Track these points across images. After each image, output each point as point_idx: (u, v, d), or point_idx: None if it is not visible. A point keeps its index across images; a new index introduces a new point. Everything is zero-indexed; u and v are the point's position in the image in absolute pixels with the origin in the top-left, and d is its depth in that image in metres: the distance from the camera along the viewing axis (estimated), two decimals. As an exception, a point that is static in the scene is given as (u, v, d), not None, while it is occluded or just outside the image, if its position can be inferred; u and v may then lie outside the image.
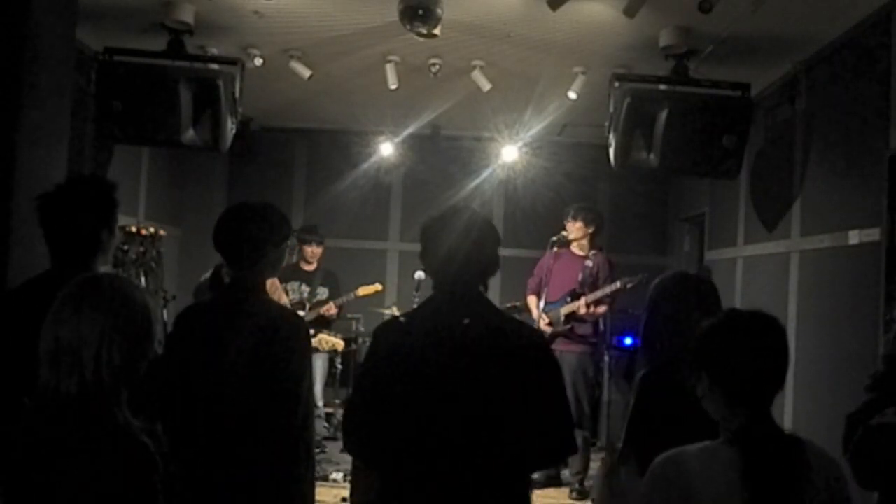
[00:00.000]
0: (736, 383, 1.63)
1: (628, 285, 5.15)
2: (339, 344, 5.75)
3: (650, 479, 1.65)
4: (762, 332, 1.68)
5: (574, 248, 5.46)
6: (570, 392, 5.29)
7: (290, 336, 2.40)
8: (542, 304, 5.35)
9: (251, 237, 2.45)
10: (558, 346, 5.26)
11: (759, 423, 1.61)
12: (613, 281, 5.25)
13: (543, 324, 5.28)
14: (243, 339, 2.34)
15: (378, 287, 6.05)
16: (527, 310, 5.60)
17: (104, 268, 2.47)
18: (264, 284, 2.54)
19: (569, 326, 5.30)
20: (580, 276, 5.34)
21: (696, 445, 1.64)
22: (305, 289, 5.98)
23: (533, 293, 5.55)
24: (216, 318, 2.41)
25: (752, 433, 1.59)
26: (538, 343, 2.25)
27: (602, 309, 5.33)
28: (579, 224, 5.39)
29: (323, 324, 5.88)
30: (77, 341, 1.60)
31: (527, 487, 2.22)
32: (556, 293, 5.38)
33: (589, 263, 5.36)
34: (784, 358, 1.69)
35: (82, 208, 2.36)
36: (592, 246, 5.45)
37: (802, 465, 1.59)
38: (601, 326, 5.70)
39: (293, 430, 2.32)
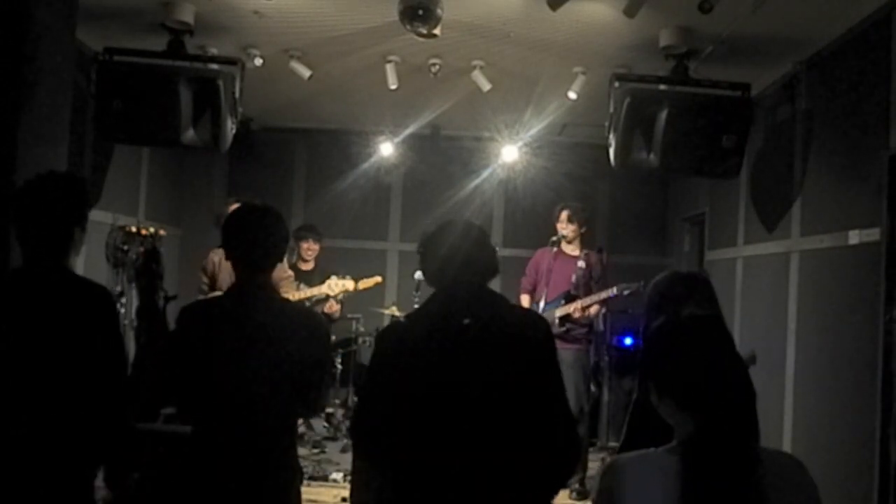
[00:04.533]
0: (681, 390, 1.56)
1: (625, 292, 5.10)
2: (349, 285, 5.68)
3: (595, 488, 1.62)
4: (703, 335, 1.62)
5: (566, 247, 5.40)
6: (570, 388, 5.29)
7: (310, 332, 2.43)
8: (541, 303, 5.34)
9: (268, 239, 2.47)
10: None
11: (709, 431, 1.52)
12: (605, 280, 5.23)
13: None
14: (264, 335, 2.36)
15: (378, 279, 6.03)
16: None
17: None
18: (271, 283, 2.56)
19: (563, 329, 5.28)
20: (573, 278, 5.32)
21: (636, 452, 1.60)
22: (304, 288, 5.98)
23: (526, 292, 5.50)
24: (233, 315, 2.42)
25: (698, 441, 1.52)
26: (541, 337, 2.23)
27: (594, 309, 5.27)
28: (574, 226, 5.37)
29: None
30: None
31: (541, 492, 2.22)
32: (551, 294, 5.36)
33: (581, 264, 5.31)
34: (730, 360, 1.60)
35: (55, 205, 2.35)
36: (584, 245, 5.43)
37: (752, 477, 1.49)
38: (600, 325, 5.66)
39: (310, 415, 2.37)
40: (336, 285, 5.72)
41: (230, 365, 2.33)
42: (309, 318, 2.56)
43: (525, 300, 5.49)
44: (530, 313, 2.30)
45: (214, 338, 2.37)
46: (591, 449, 5.53)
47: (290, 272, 5.64)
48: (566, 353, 5.24)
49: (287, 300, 2.73)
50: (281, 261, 2.66)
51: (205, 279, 5.30)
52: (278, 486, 2.35)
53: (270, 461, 2.34)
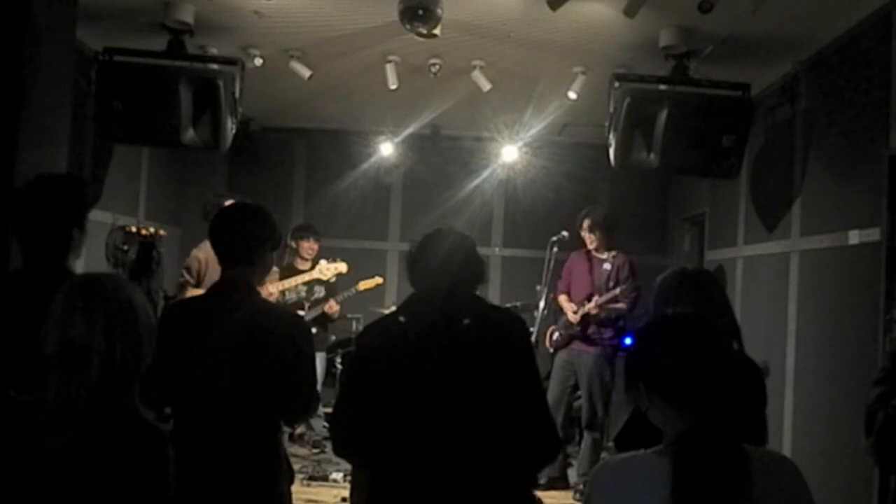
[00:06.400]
0: (672, 388, 1.54)
1: (630, 293, 5.20)
2: (342, 267, 5.66)
3: (587, 489, 1.62)
4: (691, 333, 1.60)
5: (594, 251, 5.45)
6: (583, 392, 5.34)
7: (291, 333, 2.41)
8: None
9: (251, 236, 2.45)
10: (575, 347, 5.32)
11: (698, 431, 1.50)
12: (634, 281, 5.27)
13: (570, 312, 5.36)
14: (242, 334, 2.34)
15: (379, 280, 6.02)
16: (557, 306, 5.60)
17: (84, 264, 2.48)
18: (255, 286, 2.54)
19: (579, 328, 5.32)
20: (597, 279, 5.35)
21: (626, 454, 1.58)
22: (303, 288, 5.97)
23: (562, 292, 5.57)
24: (212, 313, 2.40)
25: (687, 441, 1.50)
26: (523, 334, 2.27)
27: (619, 307, 5.31)
28: (585, 231, 5.39)
29: (324, 321, 5.89)
30: (85, 343, 1.63)
31: (525, 485, 2.23)
32: (576, 295, 5.41)
33: (607, 266, 5.35)
34: (720, 359, 1.58)
35: (54, 206, 2.35)
36: (612, 247, 5.44)
37: (739, 479, 1.46)
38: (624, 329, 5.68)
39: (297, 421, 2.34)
40: (328, 269, 5.65)
41: (206, 364, 2.31)
42: (290, 319, 2.53)
43: (562, 299, 5.54)
44: (510, 313, 2.35)
45: (192, 337, 2.35)
46: (601, 451, 5.53)
47: (275, 269, 5.56)
48: (585, 357, 5.30)
49: (268, 301, 2.69)
50: (263, 258, 2.59)
51: (189, 278, 4.88)
52: (259, 486, 2.33)
53: (250, 461, 2.32)
